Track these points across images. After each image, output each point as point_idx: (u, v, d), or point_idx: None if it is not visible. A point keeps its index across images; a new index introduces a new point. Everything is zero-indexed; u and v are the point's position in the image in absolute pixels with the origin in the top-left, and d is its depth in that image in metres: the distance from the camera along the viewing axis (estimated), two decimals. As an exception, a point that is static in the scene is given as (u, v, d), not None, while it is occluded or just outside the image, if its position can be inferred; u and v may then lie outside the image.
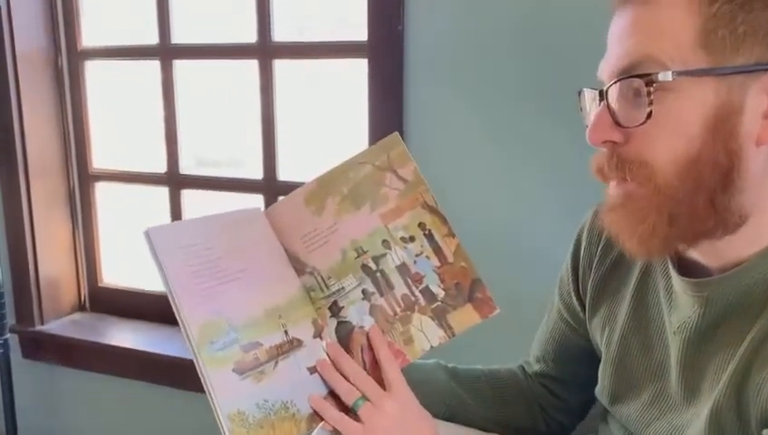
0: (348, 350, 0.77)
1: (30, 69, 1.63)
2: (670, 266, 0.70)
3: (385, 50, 1.29)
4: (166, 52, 1.60)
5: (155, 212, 1.71)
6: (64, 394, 1.80)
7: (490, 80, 1.24)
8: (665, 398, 0.72)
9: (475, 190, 1.28)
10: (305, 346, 0.76)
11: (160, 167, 1.66)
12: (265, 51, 1.49)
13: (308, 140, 1.57)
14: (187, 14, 1.60)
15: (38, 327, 1.71)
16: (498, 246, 1.26)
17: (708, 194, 0.60)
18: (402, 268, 0.78)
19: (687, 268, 0.69)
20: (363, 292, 0.78)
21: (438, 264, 0.77)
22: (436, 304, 0.77)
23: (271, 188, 1.56)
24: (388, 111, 1.31)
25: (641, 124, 0.61)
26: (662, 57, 0.59)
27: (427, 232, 0.78)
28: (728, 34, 0.58)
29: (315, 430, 0.74)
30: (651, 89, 0.59)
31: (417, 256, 0.78)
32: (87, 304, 1.81)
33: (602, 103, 0.64)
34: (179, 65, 1.60)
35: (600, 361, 0.82)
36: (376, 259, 0.78)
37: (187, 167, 1.65)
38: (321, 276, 0.79)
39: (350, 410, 0.73)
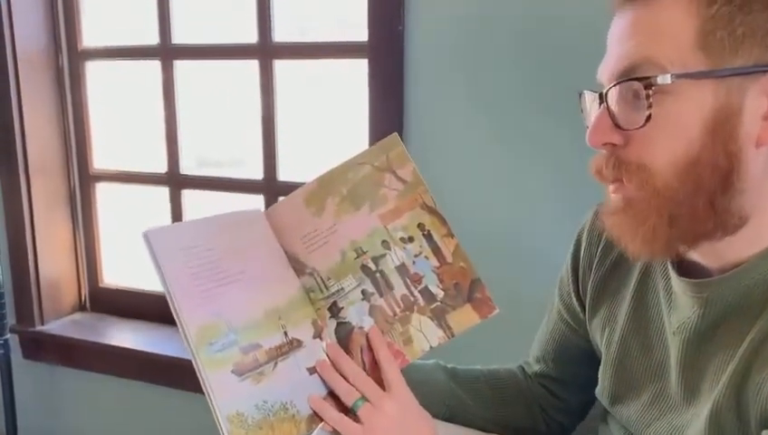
0: (347, 350, 0.77)
1: (30, 69, 1.63)
2: (670, 267, 0.70)
3: (385, 50, 1.30)
4: (166, 52, 1.60)
5: (155, 212, 1.71)
6: (65, 394, 1.80)
7: (490, 80, 1.24)
8: (665, 398, 0.72)
9: (475, 191, 1.28)
10: (305, 347, 0.76)
11: (161, 167, 1.66)
12: (266, 51, 1.49)
13: (308, 140, 1.57)
14: (187, 15, 1.60)
15: (38, 327, 1.72)
16: (498, 246, 1.26)
17: (708, 196, 0.60)
18: (401, 269, 0.78)
19: (687, 269, 0.69)
20: (363, 292, 0.78)
21: (437, 264, 0.77)
22: (435, 305, 0.77)
23: (271, 188, 1.56)
24: (388, 112, 1.31)
25: (641, 127, 0.61)
26: (661, 59, 0.59)
27: (426, 232, 0.78)
28: (727, 36, 0.58)
29: (315, 431, 0.74)
30: (650, 92, 0.59)
31: (416, 256, 0.78)
32: (87, 305, 1.81)
33: (602, 106, 0.64)
34: (180, 65, 1.60)
35: (599, 361, 0.82)
36: (375, 260, 0.78)
37: (187, 167, 1.65)
38: (321, 277, 0.79)
39: (349, 411, 0.73)
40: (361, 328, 0.78)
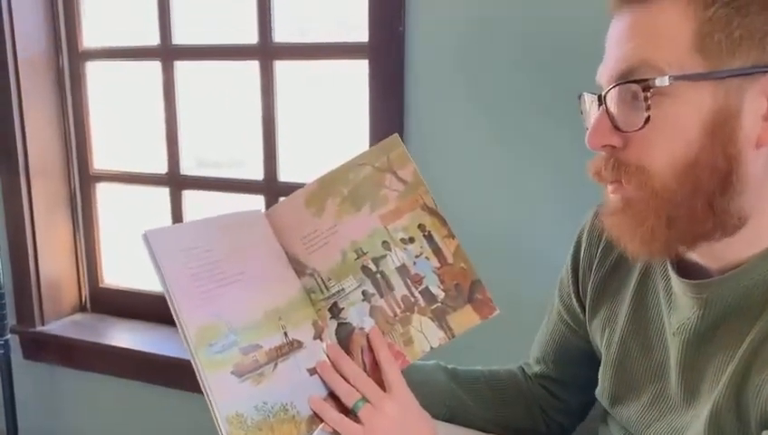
0: (348, 351, 0.77)
1: (31, 70, 1.63)
2: (670, 268, 0.70)
3: (386, 51, 1.30)
4: (167, 53, 1.60)
5: (156, 213, 1.71)
6: (65, 395, 1.80)
7: (490, 81, 1.24)
8: (665, 399, 0.72)
9: (475, 191, 1.28)
10: (305, 348, 0.76)
11: (161, 168, 1.66)
12: (266, 52, 1.49)
13: (309, 141, 1.57)
14: (187, 15, 1.60)
15: (39, 328, 1.72)
16: (498, 247, 1.26)
17: (707, 197, 0.60)
18: (402, 269, 0.78)
19: (687, 270, 0.69)
20: (363, 293, 0.78)
21: (438, 265, 0.77)
22: (435, 306, 0.77)
23: (271, 188, 1.56)
24: (388, 113, 1.31)
25: (639, 129, 0.61)
26: (659, 62, 0.60)
27: (426, 233, 0.78)
28: (724, 38, 0.58)
29: (315, 432, 0.74)
30: (648, 94, 0.59)
31: (416, 257, 0.78)
32: (88, 305, 1.81)
33: (601, 108, 0.64)
34: (180, 66, 1.61)
35: (599, 362, 0.82)
36: (376, 260, 0.78)
37: (187, 168, 1.65)
38: (322, 278, 0.79)
39: (350, 412, 0.73)
40: (362, 329, 0.78)
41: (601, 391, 0.81)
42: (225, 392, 0.68)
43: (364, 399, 0.73)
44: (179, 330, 0.69)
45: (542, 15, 1.18)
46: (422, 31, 1.27)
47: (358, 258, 0.79)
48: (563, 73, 1.16)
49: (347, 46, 1.42)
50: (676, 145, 0.60)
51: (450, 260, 0.77)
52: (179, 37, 1.59)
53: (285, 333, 0.75)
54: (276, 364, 0.73)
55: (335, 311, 0.79)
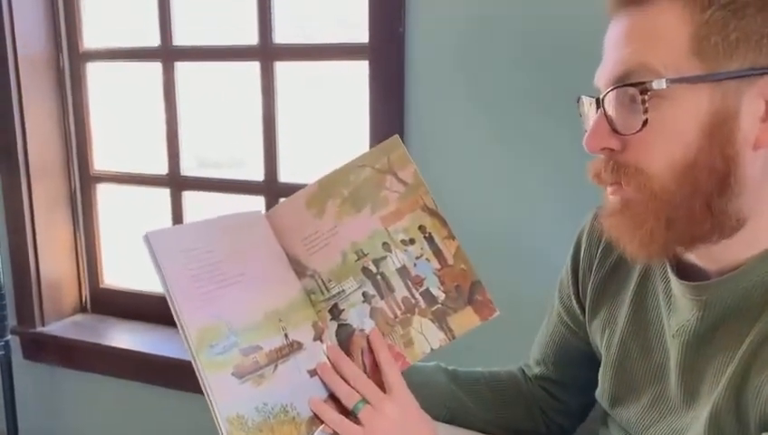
0: (348, 353, 0.77)
1: (32, 70, 1.63)
2: (669, 270, 0.71)
3: (386, 52, 1.30)
4: (167, 53, 1.60)
5: (156, 214, 1.71)
6: (65, 395, 1.80)
7: (490, 81, 1.24)
8: (664, 401, 0.72)
9: (476, 192, 1.28)
10: (305, 349, 0.76)
11: (161, 168, 1.66)
12: (267, 53, 1.49)
13: (309, 142, 1.57)
14: (188, 16, 1.60)
15: (39, 329, 1.72)
16: (498, 247, 1.26)
17: (705, 199, 0.60)
18: (402, 271, 0.78)
19: (686, 272, 0.69)
20: (363, 294, 0.78)
21: (438, 266, 0.77)
22: (436, 307, 0.77)
23: (272, 189, 1.56)
24: (388, 113, 1.31)
25: (638, 132, 0.61)
26: (656, 65, 0.60)
27: (427, 235, 0.78)
28: (721, 41, 0.58)
29: (315, 433, 0.74)
30: (646, 97, 0.60)
31: (417, 258, 0.78)
32: (88, 306, 1.81)
33: (599, 111, 0.64)
34: (181, 67, 1.61)
35: (599, 363, 0.82)
36: (376, 262, 0.78)
37: (188, 168, 1.66)
38: (322, 279, 0.79)
39: (350, 413, 0.73)
40: (362, 330, 0.78)
41: (601, 393, 0.81)
42: (225, 393, 0.68)
43: (364, 400, 0.73)
44: (180, 331, 0.69)
45: (542, 15, 1.18)
46: (422, 31, 1.27)
47: (358, 260, 0.79)
48: (563, 73, 1.16)
49: (347, 47, 1.42)
50: (675, 147, 0.60)
51: (450, 261, 0.77)
52: (180, 38, 1.59)
53: (286, 335, 0.75)
54: (276, 366, 0.73)
55: (335, 312, 0.79)
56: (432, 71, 1.28)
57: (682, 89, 0.59)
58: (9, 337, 1.64)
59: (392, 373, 0.74)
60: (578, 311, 0.86)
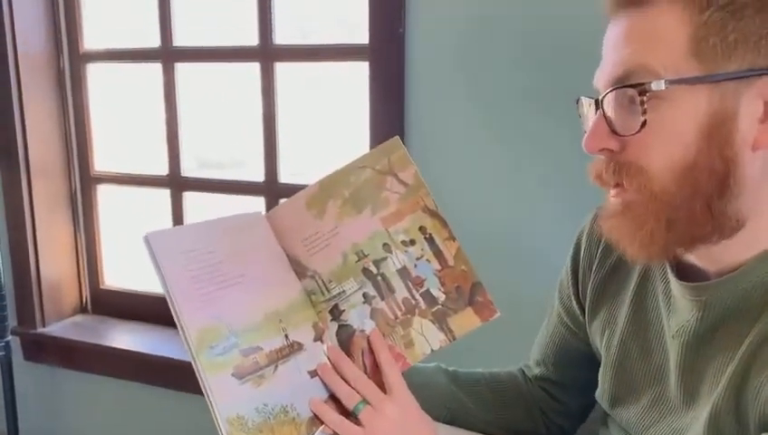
0: (349, 353, 0.77)
1: (32, 71, 1.63)
2: (669, 271, 0.71)
3: (386, 53, 1.30)
4: (167, 54, 1.60)
5: (156, 214, 1.71)
6: (66, 396, 1.80)
7: (491, 82, 1.24)
8: (664, 401, 0.72)
9: (476, 193, 1.28)
10: (306, 350, 0.76)
11: (162, 169, 1.66)
12: (267, 54, 1.49)
13: (309, 142, 1.57)
14: (188, 17, 1.60)
15: (39, 329, 1.72)
16: (498, 247, 1.26)
17: (705, 200, 0.61)
18: (403, 272, 0.78)
19: (686, 272, 0.69)
20: (364, 295, 0.78)
21: (439, 267, 0.77)
22: (436, 308, 0.77)
23: (272, 190, 1.56)
24: (389, 114, 1.31)
25: (636, 133, 0.61)
26: (655, 66, 0.60)
27: (427, 235, 0.78)
28: (719, 42, 0.58)
29: (315, 434, 0.74)
30: (645, 98, 0.60)
31: (417, 259, 0.78)
32: (88, 307, 1.81)
33: (598, 112, 0.64)
34: (181, 68, 1.61)
35: (599, 364, 0.82)
36: (377, 263, 0.78)
37: (188, 169, 1.66)
38: (323, 280, 0.80)
39: (350, 414, 0.73)
40: (363, 331, 0.78)
41: (601, 394, 0.81)
42: (225, 394, 0.68)
43: (365, 401, 0.73)
44: (180, 332, 0.69)
45: (542, 15, 1.18)
46: (422, 32, 1.27)
47: (359, 260, 0.79)
48: (563, 73, 1.16)
49: (347, 48, 1.43)
50: (674, 148, 0.60)
51: (451, 262, 0.77)
52: (180, 39, 1.59)
53: (286, 335, 0.75)
54: (277, 366, 0.73)
55: (336, 313, 0.79)
56: (432, 71, 1.28)
57: (681, 90, 0.59)
58: (9, 338, 1.64)
59: (393, 374, 0.74)
60: (578, 311, 0.86)
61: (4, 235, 1.69)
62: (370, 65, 1.32)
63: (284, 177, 1.55)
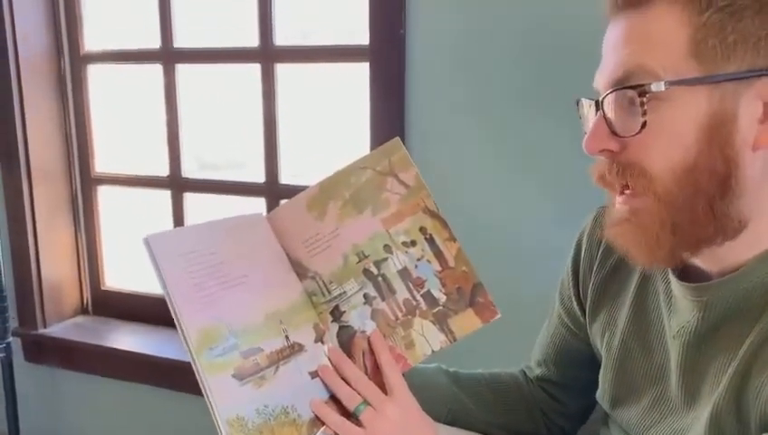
0: (349, 354, 0.77)
1: (33, 73, 1.63)
2: (670, 271, 0.71)
3: (386, 54, 1.30)
4: (168, 56, 1.60)
5: (157, 216, 1.71)
6: (67, 397, 1.80)
7: (491, 83, 1.24)
8: (665, 402, 0.72)
9: (476, 193, 1.28)
10: (306, 351, 0.76)
11: (163, 170, 1.67)
12: (267, 55, 1.49)
13: (310, 143, 1.57)
14: (189, 18, 1.60)
15: (41, 330, 1.72)
16: (498, 248, 1.26)
17: (707, 201, 0.61)
18: (403, 273, 0.78)
19: (687, 273, 0.69)
20: (365, 296, 0.78)
21: (440, 268, 0.77)
22: (437, 309, 0.77)
23: (273, 191, 1.56)
24: (389, 115, 1.32)
25: (636, 134, 0.61)
26: (655, 67, 0.60)
27: (428, 236, 0.78)
28: (718, 43, 0.58)
29: (316, 435, 0.74)
30: (645, 99, 0.60)
31: (418, 260, 0.78)
32: (89, 308, 1.81)
33: (598, 113, 0.64)
34: (181, 69, 1.61)
35: (600, 365, 0.82)
36: (377, 264, 0.78)
37: (189, 170, 1.66)
38: (323, 281, 0.80)
39: (351, 415, 0.73)
40: (363, 332, 0.78)
41: (602, 394, 0.81)
42: (225, 395, 0.68)
43: (366, 402, 0.73)
44: (180, 334, 0.69)
45: (542, 15, 1.18)
46: (423, 33, 1.27)
47: (359, 261, 0.79)
48: (564, 73, 1.16)
49: (348, 49, 1.43)
50: (674, 149, 0.60)
51: (452, 263, 0.77)
52: (181, 40, 1.60)
53: (287, 337, 0.75)
54: (277, 367, 0.73)
55: (337, 314, 0.79)
56: (432, 72, 1.28)
57: (680, 91, 0.59)
58: (11, 339, 1.65)
59: (393, 375, 0.74)
60: (578, 312, 0.86)
61: (6, 236, 1.69)
62: (371, 66, 1.32)
63: (285, 178, 1.55)
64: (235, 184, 1.62)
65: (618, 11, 0.64)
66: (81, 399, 1.78)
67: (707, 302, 0.65)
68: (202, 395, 0.68)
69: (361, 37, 1.35)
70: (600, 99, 0.64)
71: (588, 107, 0.68)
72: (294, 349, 0.75)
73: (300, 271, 0.80)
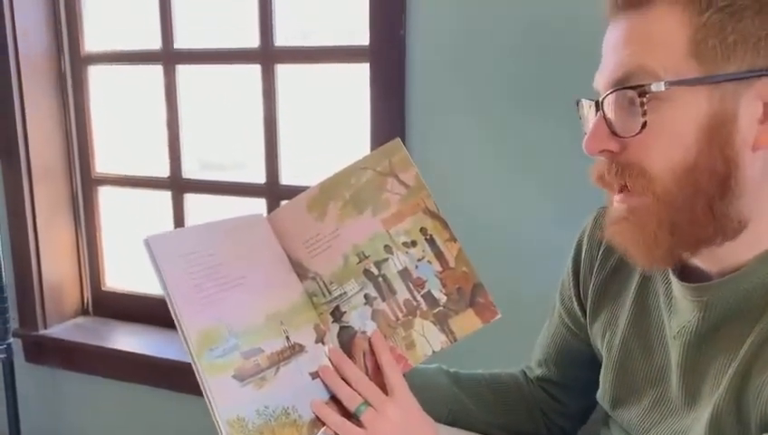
0: (350, 355, 0.77)
1: (33, 73, 1.63)
2: (670, 271, 0.71)
3: (386, 54, 1.30)
4: (169, 56, 1.60)
5: (158, 216, 1.71)
6: (67, 398, 1.80)
7: (491, 84, 1.24)
8: (666, 402, 0.72)
9: (476, 194, 1.28)
10: (307, 351, 0.76)
11: (163, 171, 1.67)
12: (268, 55, 1.49)
13: (310, 144, 1.57)
14: (189, 19, 1.60)
15: (41, 331, 1.72)
16: (498, 248, 1.26)
17: (707, 201, 0.61)
18: (404, 273, 0.78)
19: (687, 273, 0.69)
20: (365, 297, 0.78)
21: (440, 269, 0.77)
22: (437, 309, 0.77)
23: (273, 192, 1.56)
24: (389, 115, 1.32)
25: (637, 134, 0.61)
26: (655, 68, 0.60)
27: (428, 237, 0.78)
28: (718, 44, 0.58)
29: (317, 435, 0.74)
30: (645, 99, 0.60)
31: (418, 260, 0.78)
32: (90, 308, 1.81)
33: (598, 114, 0.64)
34: (182, 70, 1.61)
35: (601, 365, 0.82)
36: (378, 264, 0.78)
37: (189, 171, 1.66)
38: (324, 281, 0.80)
39: (352, 416, 0.73)
40: (364, 332, 0.78)
41: (602, 395, 0.81)
42: (226, 396, 0.68)
43: (366, 403, 0.73)
44: (180, 334, 0.69)
45: (542, 15, 1.18)
46: (423, 34, 1.27)
47: (360, 262, 0.79)
48: (564, 73, 1.16)
49: (348, 50, 1.43)
50: (674, 149, 0.60)
51: (452, 264, 0.77)
52: (181, 41, 1.60)
53: (287, 337, 0.75)
54: (278, 368, 0.73)
55: (337, 314, 0.79)
56: (432, 73, 1.28)
57: (681, 91, 0.59)
58: (11, 340, 1.65)
59: (394, 376, 0.74)
60: (579, 312, 0.86)
61: (6, 237, 1.69)
62: (371, 67, 1.32)
63: (285, 178, 1.55)
64: (235, 185, 1.62)
65: (618, 11, 0.64)
66: (82, 399, 1.78)
67: (708, 302, 0.65)
68: (202, 396, 0.68)
69: (361, 38, 1.35)
70: (600, 99, 0.64)
71: (588, 107, 0.68)
72: (295, 350, 0.75)
73: (300, 272, 0.80)
